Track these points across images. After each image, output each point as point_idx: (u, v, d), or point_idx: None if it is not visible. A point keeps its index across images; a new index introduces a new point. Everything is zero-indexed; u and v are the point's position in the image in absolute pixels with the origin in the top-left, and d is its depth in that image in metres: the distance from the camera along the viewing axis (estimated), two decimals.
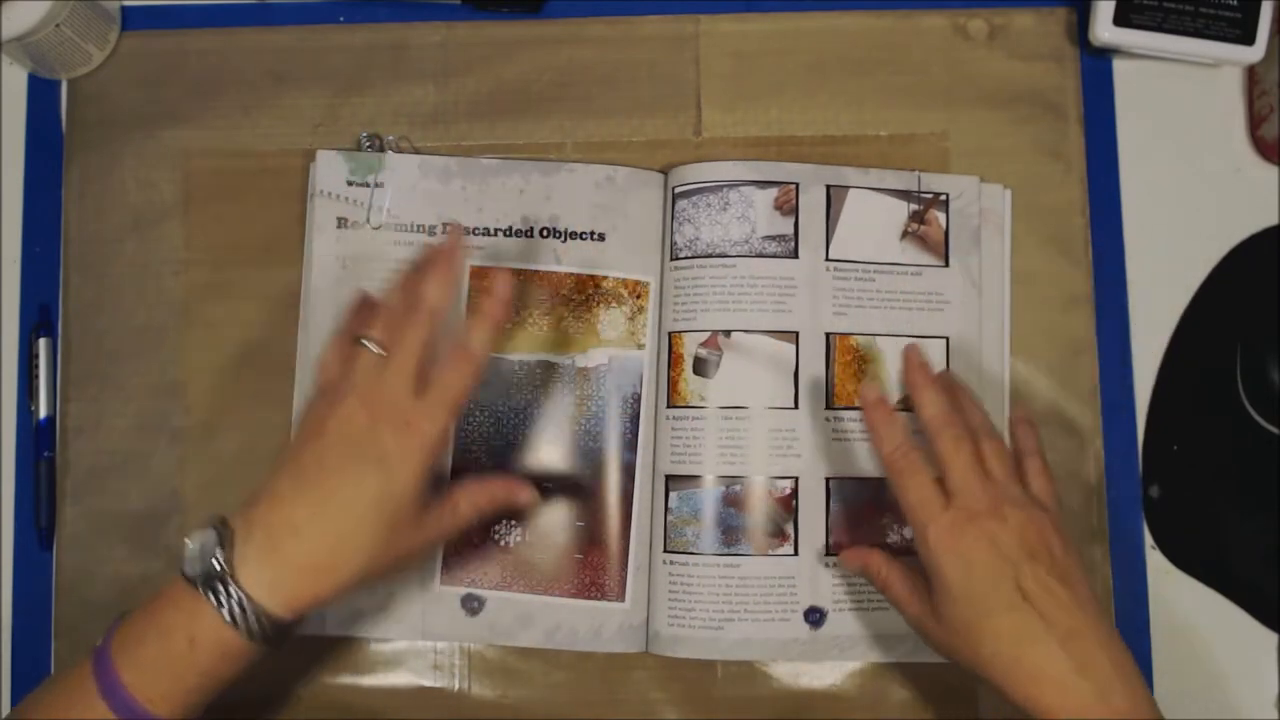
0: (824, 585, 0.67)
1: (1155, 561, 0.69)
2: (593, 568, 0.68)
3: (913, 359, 0.63)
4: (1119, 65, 0.72)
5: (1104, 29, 0.68)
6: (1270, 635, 0.69)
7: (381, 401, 0.56)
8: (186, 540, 0.55)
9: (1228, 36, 0.68)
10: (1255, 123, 0.71)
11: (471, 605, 0.68)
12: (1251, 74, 0.71)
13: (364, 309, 0.62)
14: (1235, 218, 0.71)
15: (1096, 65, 0.72)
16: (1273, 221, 0.71)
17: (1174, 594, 0.69)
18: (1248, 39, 0.68)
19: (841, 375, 0.68)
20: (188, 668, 0.53)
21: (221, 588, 0.53)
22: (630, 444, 0.68)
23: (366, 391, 0.57)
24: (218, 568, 0.53)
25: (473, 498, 0.61)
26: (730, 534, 0.67)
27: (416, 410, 0.57)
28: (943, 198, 0.70)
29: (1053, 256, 0.71)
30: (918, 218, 0.70)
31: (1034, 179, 0.71)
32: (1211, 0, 0.67)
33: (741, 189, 0.69)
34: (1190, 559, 0.69)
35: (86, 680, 0.54)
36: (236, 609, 0.53)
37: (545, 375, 0.69)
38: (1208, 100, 0.72)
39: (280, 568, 0.54)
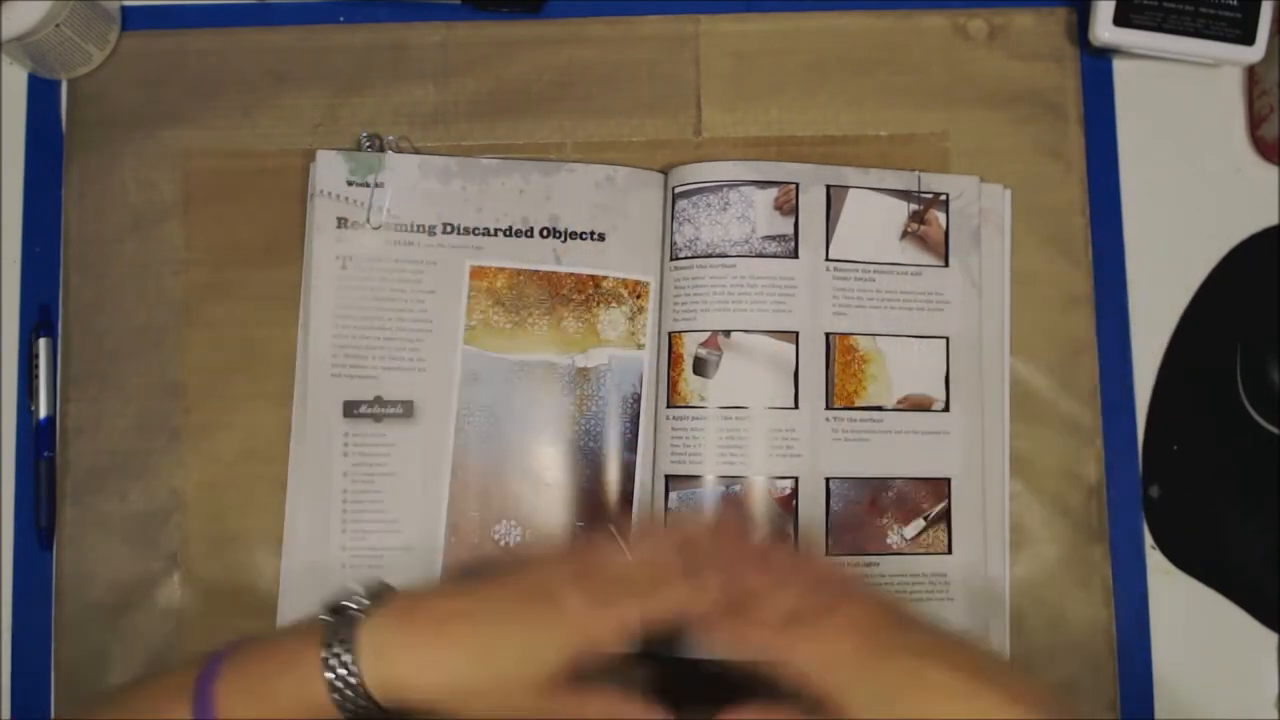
0: None
1: (1155, 561, 0.69)
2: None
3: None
4: (1119, 65, 0.72)
5: (1104, 29, 0.68)
6: (1270, 635, 0.69)
7: (597, 571, 0.55)
8: (355, 583, 0.54)
9: (1228, 36, 0.68)
10: (1255, 123, 0.71)
11: None
12: (1251, 74, 0.72)
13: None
14: (1235, 218, 0.71)
15: (1096, 65, 0.72)
16: (1273, 221, 0.71)
17: (1174, 594, 0.69)
18: (1248, 39, 0.68)
19: (841, 375, 0.68)
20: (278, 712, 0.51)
21: (339, 640, 0.51)
22: (630, 444, 0.68)
23: (588, 559, 0.57)
24: (354, 608, 0.52)
25: (610, 707, 0.54)
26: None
27: (622, 595, 0.54)
28: (943, 198, 0.70)
29: (1053, 256, 0.71)
30: (918, 218, 0.70)
31: (1034, 179, 0.71)
32: (1211, 0, 0.67)
33: (741, 189, 0.69)
34: (1190, 559, 0.69)
35: (186, 687, 0.51)
36: (339, 667, 0.50)
37: (545, 375, 0.69)
38: (1208, 100, 0.72)
39: (398, 633, 0.52)
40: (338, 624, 0.52)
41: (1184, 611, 0.69)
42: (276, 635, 0.53)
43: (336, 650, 0.51)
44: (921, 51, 0.72)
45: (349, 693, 0.50)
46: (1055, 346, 0.70)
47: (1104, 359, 0.70)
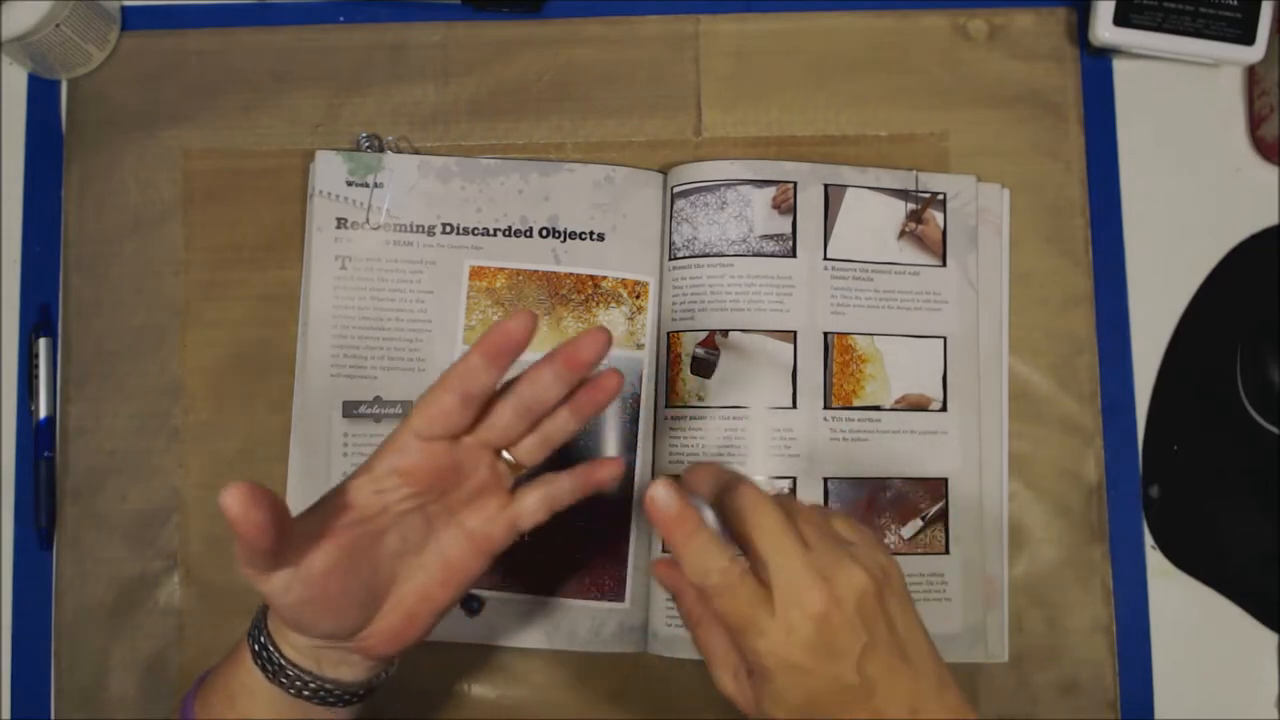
0: None
1: (1155, 561, 0.69)
2: (592, 568, 0.68)
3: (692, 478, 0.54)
4: (1119, 65, 0.72)
5: (1104, 29, 0.68)
6: (1270, 635, 0.69)
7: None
8: None
9: (1228, 36, 0.68)
10: (1255, 123, 0.71)
11: (471, 605, 0.68)
12: (1251, 74, 0.71)
13: None
14: (1235, 218, 0.71)
15: (1096, 65, 0.72)
16: (1273, 221, 0.71)
17: (1174, 594, 0.69)
18: (1248, 39, 0.68)
19: (839, 375, 0.68)
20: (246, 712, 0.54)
21: (258, 630, 0.53)
22: (630, 444, 0.68)
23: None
24: (260, 613, 0.54)
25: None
26: (729, 534, 0.67)
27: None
28: (940, 197, 0.70)
29: (1053, 256, 0.71)
30: (915, 217, 0.70)
31: (1034, 179, 0.71)
32: (1211, 0, 0.67)
33: (739, 188, 0.69)
34: (1190, 559, 0.69)
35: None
36: (259, 643, 0.53)
37: None
38: (1208, 100, 0.72)
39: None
40: (256, 616, 0.54)
41: (1184, 611, 0.69)
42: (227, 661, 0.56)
43: (255, 632, 0.53)
44: (921, 51, 0.72)
45: (266, 658, 0.53)
46: (1055, 346, 0.70)
47: (1104, 359, 0.70)
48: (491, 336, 0.50)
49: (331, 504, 0.51)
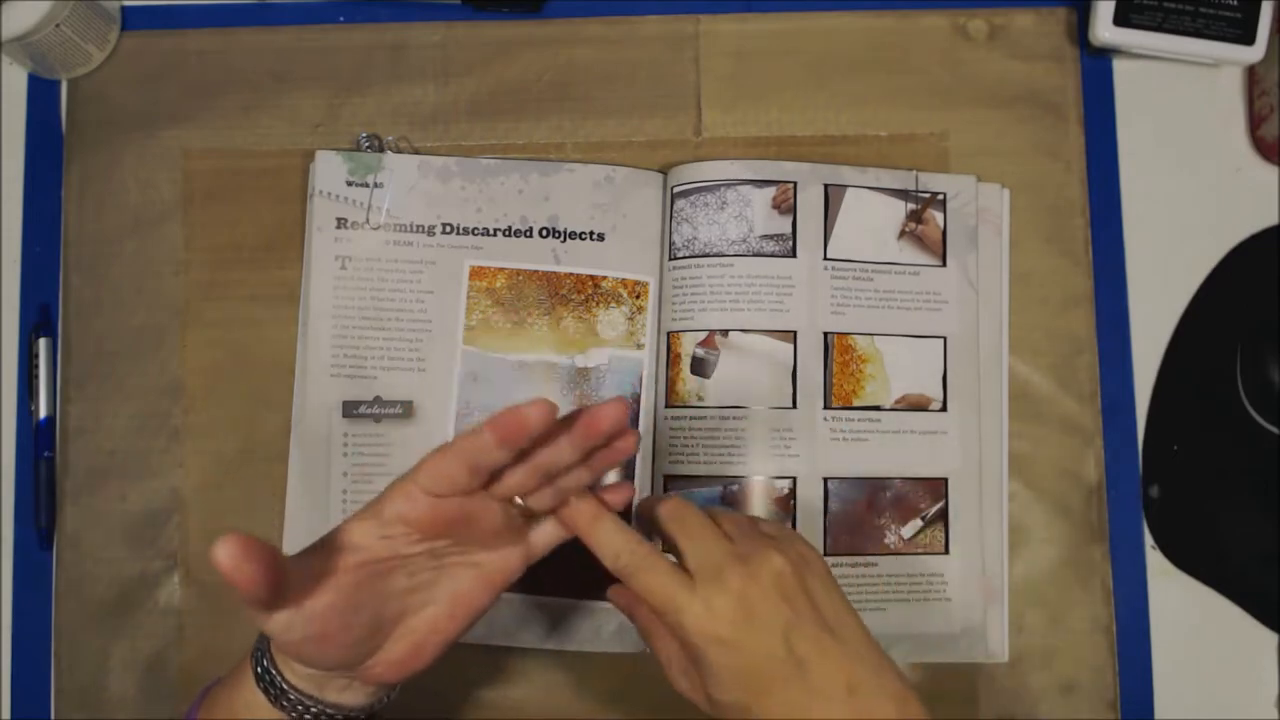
0: None
1: (1155, 561, 0.69)
2: (592, 568, 0.67)
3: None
4: (1119, 65, 0.72)
5: (1104, 29, 0.68)
6: (1270, 635, 0.69)
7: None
8: None
9: (1228, 36, 0.68)
10: (1255, 123, 0.71)
11: None
12: (1251, 74, 0.71)
13: None
14: (1235, 218, 0.71)
15: (1096, 65, 0.72)
16: (1273, 221, 0.71)
17: (1174, 594, 0.69)
18: (1248, 39, 0.68)
19: (840, 375, 0.68)
20: None
21: (260, 654, 0.53)
22: None
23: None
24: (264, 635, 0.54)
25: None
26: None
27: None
28: (940, 197, 0.70)
29: (1053, 256, 0.71)
30: (915, 217, 0.70)
31: (1034, 179, 0.71)
32: (1211, 0, 0.67)
33: (739, 188, 0.69)
34: (1190, 559, 0.69)
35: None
36: (261, 666, 0.53)
37: (545, 375, 0.69)
38: (1208, 100, 0.72)
39: None
40: (260, 638, 0.54)
41: (1184, 611, 0.69)
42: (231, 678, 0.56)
43: (258, 654, 0.53)
44: (921, 51, 0.72)
45: (269, 682, 0.52)
46: (1055, 346, 0.70)
47: (1104, 359, 0.70)
48: (507, 420, 0.48)
49: (336, 544, 0.50)
